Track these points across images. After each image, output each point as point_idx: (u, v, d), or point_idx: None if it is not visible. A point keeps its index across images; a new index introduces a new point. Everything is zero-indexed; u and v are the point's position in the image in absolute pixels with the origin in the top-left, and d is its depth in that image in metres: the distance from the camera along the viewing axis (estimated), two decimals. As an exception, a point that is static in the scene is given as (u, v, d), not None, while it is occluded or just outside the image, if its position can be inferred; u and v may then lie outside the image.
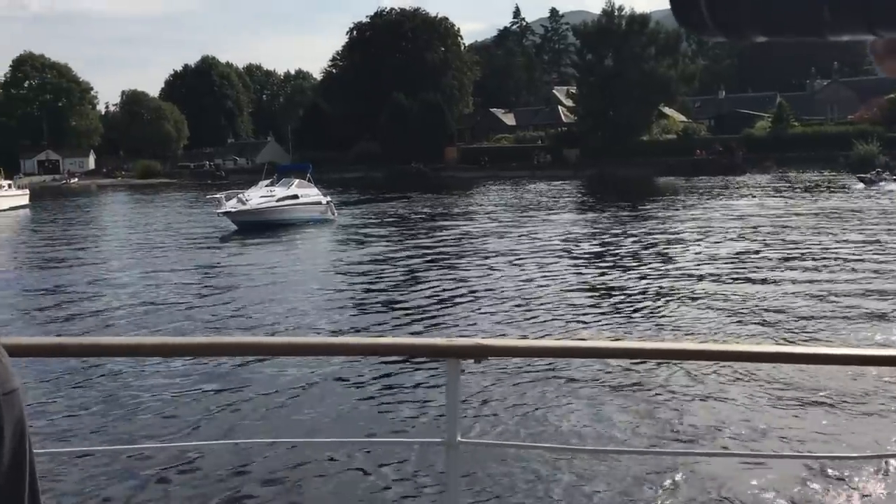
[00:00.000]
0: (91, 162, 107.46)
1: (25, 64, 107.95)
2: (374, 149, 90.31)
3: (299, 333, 12.51)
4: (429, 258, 21.61)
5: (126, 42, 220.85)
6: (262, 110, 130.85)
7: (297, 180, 35.42)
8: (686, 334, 11.70)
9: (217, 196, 33.29)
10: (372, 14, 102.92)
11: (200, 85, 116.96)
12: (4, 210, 48.86)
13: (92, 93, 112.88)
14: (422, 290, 16.33)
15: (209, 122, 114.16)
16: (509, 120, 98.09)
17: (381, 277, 18.53)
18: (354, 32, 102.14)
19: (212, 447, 7.14)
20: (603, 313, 13.42)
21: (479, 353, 2.47)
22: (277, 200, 32.52)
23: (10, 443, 1.60)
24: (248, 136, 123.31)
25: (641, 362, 9.40)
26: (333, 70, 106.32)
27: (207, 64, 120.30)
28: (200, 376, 9.87)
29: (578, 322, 12.71)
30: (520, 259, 20.50)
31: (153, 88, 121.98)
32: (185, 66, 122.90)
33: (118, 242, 30.14)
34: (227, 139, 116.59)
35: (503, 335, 11.95)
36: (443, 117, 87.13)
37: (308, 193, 34.62)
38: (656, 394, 8.93)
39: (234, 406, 8.82)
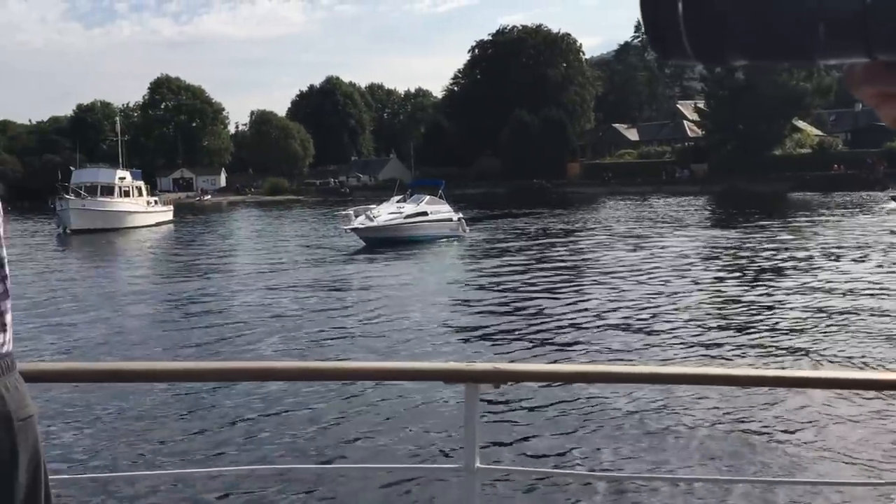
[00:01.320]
0: (222, 179, 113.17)
1: (162, 86, 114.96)
2: (495, 165, 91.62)
3: (323, 357, 12.46)
4: (557, 278, 21.41)
5: (253, 64, 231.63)
6: (384, 128, 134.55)
7: (428, 196, 35.85)
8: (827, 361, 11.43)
9: (346, 212, 34.87)
10: (494, 32, 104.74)
11: (325, 104, 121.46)
12: (152, 225, 52.57)
13: (223, 113, 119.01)
14: (548, 312, 16.07)
15: (333, 141, 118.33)
16: (632, 135, 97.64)
17: (507, 297, 18.45)
18: (476, 50, 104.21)
19: (225, 473, 7.11)
20: (730, 339, 13.07)
21: (498, 377, 2.47)
22: (406, 217, 32.97)
23: (26, 469, 1.73)
24: (370, 153, 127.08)
25: (666, 387, 9.19)
26: (455, 88, 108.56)
27: (332, 84, 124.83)
28: (210, 400, 9.88)
29: (710, 347, 12.49)
30: (649, 279, 20.37)
31: (280, 108, 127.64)
32: (311, 87, 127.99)
33: (250, 256, 31.74)
34: (351, 157, 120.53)
35: (534, 358, 11.91)
36: (565, 133, 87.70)
37: (439, 210, 34.89)
38: (680, 419, 8.85)
39: (248, 431, 8.84)
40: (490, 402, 8.76)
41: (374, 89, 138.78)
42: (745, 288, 18.45)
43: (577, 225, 42.16)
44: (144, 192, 56.45)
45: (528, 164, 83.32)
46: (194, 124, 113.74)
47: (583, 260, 25.79)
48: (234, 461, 7.75)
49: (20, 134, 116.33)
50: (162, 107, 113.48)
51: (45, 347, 14.13)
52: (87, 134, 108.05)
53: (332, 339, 14.24)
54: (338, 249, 32.12)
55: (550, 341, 13.27)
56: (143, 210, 53.66)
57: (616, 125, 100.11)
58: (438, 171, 78.28)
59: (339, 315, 16.68)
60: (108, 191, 52.17)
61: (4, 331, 1.76)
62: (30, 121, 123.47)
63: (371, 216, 32.65)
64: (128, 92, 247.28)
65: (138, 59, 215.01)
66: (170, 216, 57.26)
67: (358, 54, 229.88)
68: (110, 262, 32.85)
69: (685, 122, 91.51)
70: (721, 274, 21.17)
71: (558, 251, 28.98)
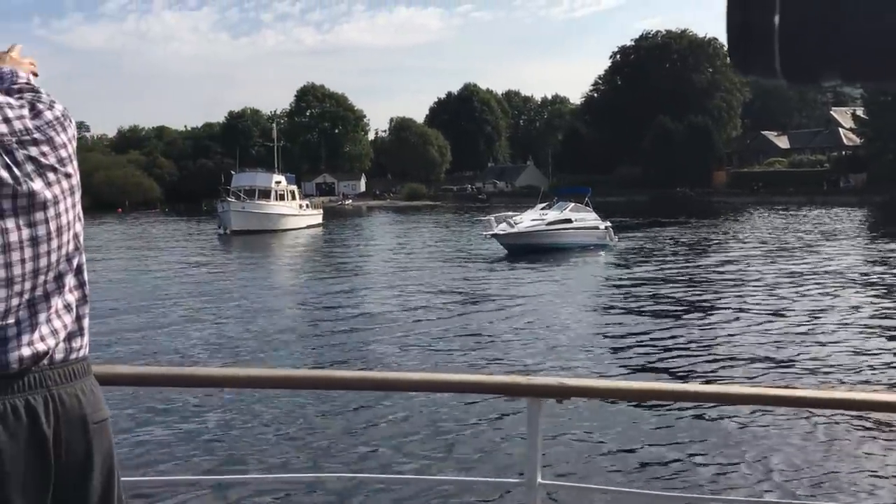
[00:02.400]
0: (362, 185, 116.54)
1: (308, 94, 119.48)
2: (636, 173, 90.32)
3: (396, 368, 12.27)
4: (706, 292, 20.80)
5: (391, 71, 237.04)
6: (520, 135, 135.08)
7: (573, 204, 35.43)
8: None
9: (488, 218, 35.24)
10: (636, 37, 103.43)
11: (462, 111, 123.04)
12: (303, 228, 54.87)
13: (364, 120, 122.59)
14: (691, 329, 15.62)
15: (469, 147, 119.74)
16: (782, 143, 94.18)
17: (649, 310, 17.99)
18: (618, 56, 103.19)
19: (285, 480, 7.26)
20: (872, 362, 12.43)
21: (561, 392, 2.45)
22: (548, 224, 32.67)
23: (100, 472, 1.78)
24: (506, 160, 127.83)
25: (735, 407, 8.94)
26: (595, 94, 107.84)
27: (469, 91, 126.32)
28: (275, 407, 10.00)
29: (847, 371, 11.90)
30: (817, 292, 19.74)
31: (418, 115, 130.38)
32: (449, 94, 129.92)
33: (391, 260, 32.51)
34: (487, 163, 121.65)
35: (598, 374, 11.60)
36: (711, 140, 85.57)
37: (584, 218, 34.49)
38: (745, 440, 8.63)
39: (311, 438, 8.86)
40: (554, 416, 8.52)
41: (511, 96, 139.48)
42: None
43: (728, 236, 41.17)
44: (297, 196, 59.01)
45: (671, 172, 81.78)
46: (337, 131, 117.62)
47: (738, 273, 25.10)
48: (296, 468, 7.79)
49: (176, 139, 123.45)
50: (307, 114, 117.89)
51: (211, 337, 15.33)
52: (238, 139, 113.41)
53: (460, 347, 14.31)
54: (477, 255, 32.44)
55: (689, 359, 12.99)
56: (296, 213, 56.13)
57: (765, 132, 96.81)
58: (576, 179, 78.09)
59: (472, 321, 16.81)
60: (265, 194, 54.86)
61: (82, 335, 1.81)
62: (185, 127, 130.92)
63: (512, 222, 32.70)
64: (271, 98, 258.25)
65: (282, 68, 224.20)
66: (319, 219, 59.61)
67: (494, 61, 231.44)
68: (266, 262, 34.62)
69: (840, 129, 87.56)
70: (877, 294, 20.02)
71: (710, 262, 28.35)
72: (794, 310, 17.45)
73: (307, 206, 60.46)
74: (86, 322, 1.82)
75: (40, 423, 1.66)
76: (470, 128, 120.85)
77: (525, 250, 30.50)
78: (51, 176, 1.71)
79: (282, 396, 10.05)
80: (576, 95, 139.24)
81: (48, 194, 1.70)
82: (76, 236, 1.80)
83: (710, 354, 13.26)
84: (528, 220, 33.28)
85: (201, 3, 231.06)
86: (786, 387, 10.28)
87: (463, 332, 15.53)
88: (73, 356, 1.77)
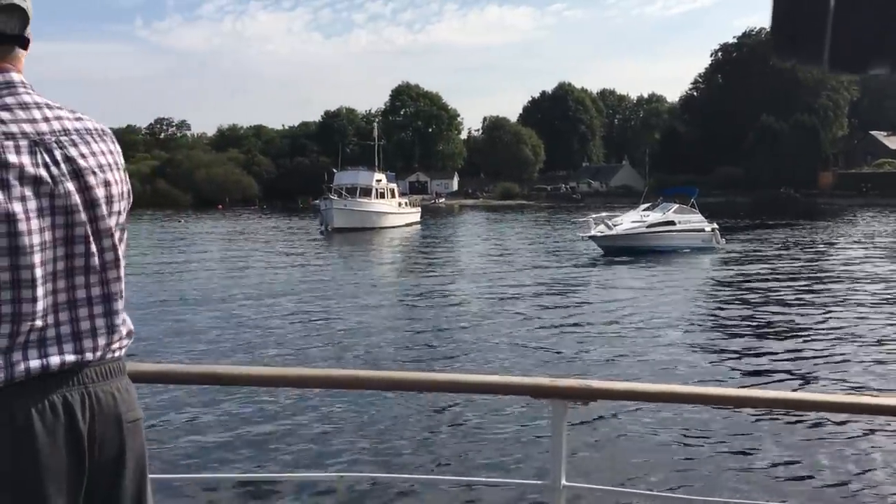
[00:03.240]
0: (455, 183, 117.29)
1: (403, 93, 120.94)
2: (736, 173, 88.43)
3: (425, 368, 12.19)
4: (816, 296, 20.23)
5: (482, 70, 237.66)
6: (614, 134, 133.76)
7: (677, 205, 34.82)
8: None
9: (585, 219, 35.05)
10: (739, 34, 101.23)
11: (556, 110, 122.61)
12: (402, 226, 55.81)
13: (458, 119, 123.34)
14: (799, 334, 15.27)
15: (563, 147, 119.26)
16: (892, 143, 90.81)
17: (753, 315, 17.60)
18: (719, 54, 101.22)
19: (312, 479, 7.19)
20: None
21: (587, 395, 2.44)
22: (649, 226, 32.16)
23: (133, 471, 1.80)
24: (600, 160, 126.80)
25: (766, 412, 8.81)
26: (694, 92, 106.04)
27: (564, 90, 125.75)
28: (300, 405, 10.02)
29: None
30: None
31: (509, 113, 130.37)
32: (543, 93, 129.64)
33: (486, 259, 32.80)
34: (581, 163, 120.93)
35: (626, 377, 11.38)
36: (817, 140, 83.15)
37: (688, 220, 33.82)
38: (776, 445, 8.53)
39: (335, 438, 8.92)
40: (579, 419, 8.58)
41: (606, 95, 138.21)
42: None
43: (839, 239, 40.08)
44: (396, 194, 60.04)
45: (774, 173, 79.83)
46: (431, 129, 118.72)
47: (849, 278, 24.50)
48: (320, 467, 7.85)
49: (273, 138, 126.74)
50: (402, 113, 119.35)
51: (313, 332, 15.85)
52: (333, 138, 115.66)
53: (545, 348, 14.23)
54: (573, 257, 32.24)
55: (793, 364, 12.80)
56: (396, 211, 57.14)
57: (874, 133, 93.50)
58: (674, 179, 76.87)
59: (562, 323, 16.76)
60: (366, 192, 56.03)
61: (118, 335, 1.82)
62: (283, 125, 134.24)
63: (610, 224, 32.38)
64: (362, 97, 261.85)
65: (373, 67, 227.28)
66: (417, 217, 60.53)
67: (588, 60, 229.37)
68: (367, 259, 35.41)
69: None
70: None
71: (821, 266, 27.71)
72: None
73: (406, 204, 61.49)
74: (121, 322, 1.83)
75: (76, 420, 1.68)
76: (564, 127, 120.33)
77: (623, 253, 30.13)
78: (90, 179, 1.73)
79: (310, 396, 10.11)
80: (672, 94, 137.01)
81: (86, 197, 1.71)
82: (116, 244, 1.80)
83: (819, 365, 12.92)
84: (628, 221, 32.94)
85: (295, 3, 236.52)
86: (851, 392, 10.45)
87: (551, 334, 15.56)
88: (109, 355, 1.78)
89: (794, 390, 10.58)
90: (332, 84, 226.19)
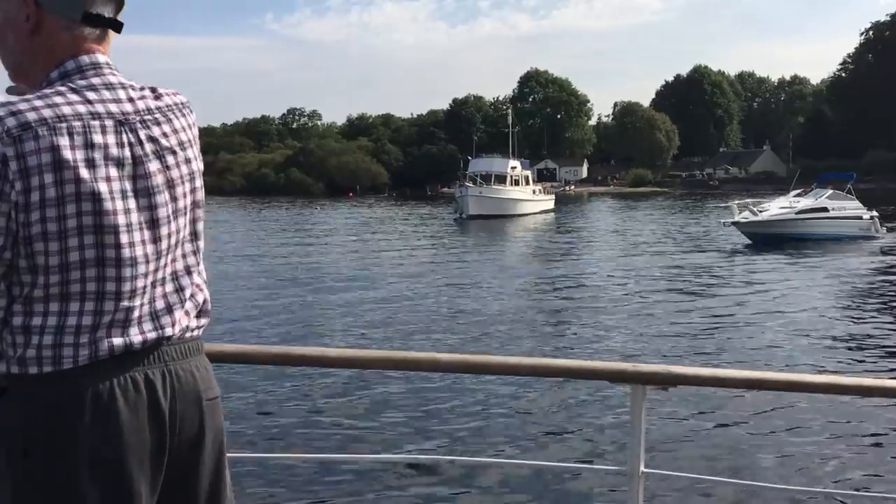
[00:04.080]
0: (584, 171, 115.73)
1: (531, 80, 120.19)
2: (889, 158, 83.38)
3: (504, 352, 12.00)
4: None
5: (610, 54, 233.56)
6: (753, 118, 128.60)
7: (831, 191, 33.00)
8: None
9: (729, 205, 33.58)
10: (893, 12, 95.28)
11: (691, 94, 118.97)
12: (536, 213, 55.34)
13: (588, 105, 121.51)
14: None
15: (699, 132, 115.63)
16: None
17: None
18: (871, 33, 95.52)
19: (389, 461, 7.22)
20: None
21: (667, 380, 2.41)
22: (798, 213, 30.65)
23: (212, 449, 1.82)
24: (737, 145, 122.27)
25: (846, 399, 8.44)
26: (842, 74, 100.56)
27: (699, 73, 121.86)
28: (387, 389, 10.05)
29: None
30: None
31: (641, 98, 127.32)
32: (677, 76, 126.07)
33: (620, 247, 32.07)
34: (718, 148, 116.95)
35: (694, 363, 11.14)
36: (982, 122, 77.31)
37: (844, 206, 32.08)
38: (858, 432, 8.25)
39: (409, 420, 8.93)
40: (659, 404, 8.55)
41: (744, 77, 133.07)
42: None
43: None
44: (531, 182, 59.59)
45: (934, 158, 74.70)
46: (559, 116, 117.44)
47: None
48: (392, 449, 7.83)
49: (402, 126, 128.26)
50: (530, 99, 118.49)
51: (447, 317, 15.78)
52: (461, 126, 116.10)
53: (679, 335, 13.91)
54: (713, 245, 31.19)
55: None
56: (530, 198, 56.75)
57: None
58: (821, 165, 73.19)
59: (700, 313, 16.23)
60: (501, 179, 55.85)
61: (197, 315, 1.84)
62: (411, 114, 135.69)
63: (756, 210, 30.90)
64: (485, 85, 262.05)
65: (498, 54, 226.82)
66: (551, 205, 59.95)
67: (723, 41, 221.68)
68: (504, 246, 35.15)
69: None
70: None
71: None
72: None
73: (540, 191, 60.92)
74: (201, 301, 1.85)
75: (158, 397, 1.69)
76: (699, 111, 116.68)
77: (770, 241, 28.77)
78: (170, 159, 1.73)
79: (386, 379, 10.17)
80: (816, 76, 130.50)
81: (167, 176, 1.72)
82: (194, 221, 1.82)
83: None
84: (776, 208, 31.50)
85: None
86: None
87: (686, 324, 15.11)
88: (189, 335, 1.79)
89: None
90: (456, 72, 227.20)
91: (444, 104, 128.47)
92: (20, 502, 1.62)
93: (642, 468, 2.43)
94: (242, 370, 9.86)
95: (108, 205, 1.61)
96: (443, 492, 6.84)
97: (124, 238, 1.64)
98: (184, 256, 1.80)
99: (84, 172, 1.59)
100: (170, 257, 1.75)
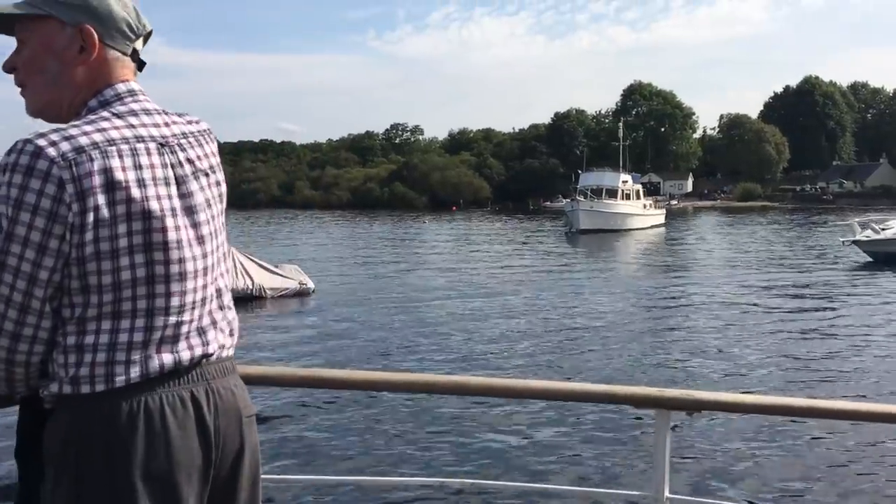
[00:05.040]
0: (689, 184, 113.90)
1: (635, 92, 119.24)
2: None
3: (518, 375, 11.89)
4: None
5: (712, 66, 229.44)
6: (866, 130, 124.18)
7: None
8: None
9: (849, 222, 32.69)
10: None
11: (801, 106, 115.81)
12: (646, 228, 55.05)
13: (693, 118, 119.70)
14: None
15: (809, 144, 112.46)
16: None
17: None
18: None
19: (405, 485, 7.05)
20: None
21: (693, 405, 2.39)
22: None
23: (250, 465, 1.84)
24: (851, 158, 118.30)
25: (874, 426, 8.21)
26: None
27: (810, 84, 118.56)
28: (405, 411, 10.03)
29: None
30: None
31: (748, 110, 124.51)
32: (786, 88, 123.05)
33: (739, 261, 31.82)
34: (830, 162, 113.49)
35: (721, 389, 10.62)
36: None
37: None
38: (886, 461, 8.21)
39: (428, 443, 8.88)
40: (684, 430, 8.52)
41: (857, 88, 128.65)
42: None
43: None
44: (641, 196, 59.34)
45: None
46: (663, 129, 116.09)
47: None
48: (413, 472, 7.83)
49: (503, 140, 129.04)
50: (634, 112, 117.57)
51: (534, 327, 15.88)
52: (563, 139, 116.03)
53: (790, 358, 13.55)
54: (831, 263, 30.51)
55: None
56: (641, 213, 56.50)
57: None
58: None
59: (812, 335, 15.74)
60: (612, 194, 55.81)
61: (232, 334, 1.88)
62: (513, 128, 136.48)
63: (878, 228, 30.15)
64: (586, 98, 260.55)
65: (596, 67, 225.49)
66: (662, 219, 59.50)
67: (833, 51, 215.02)
68: (614, 260, 35.33)
69: None
70: None
71: None
72: None
73: (651, 205, 60.59)
74: (232, 317, 1.90)
75: (203, 414, 1.73)
76: (810, 123, 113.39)
77: (894, 260, 27.88)
78: (204, 180, 1.80)
79: (404, 401, 10.17)
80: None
81: (205, 196, 1.79)
82: (224, 239, 1.88)
83: None
84: None
85: (519, 7, 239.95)
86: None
87: (796, 346, 14.80)
88: (225, 354, 1.84)
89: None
90: (555, 86, 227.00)
91: (543, 118, 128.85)
92: None
93: (667, 493, 2.41)
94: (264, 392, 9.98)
95: (158, 223, 1.67)
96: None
97: (174, 255, 1.70)
98: (222, 275, 1.86)
99: (135, 192, 1.64)
100: (215, 274, 1.82)
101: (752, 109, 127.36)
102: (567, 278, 27.06)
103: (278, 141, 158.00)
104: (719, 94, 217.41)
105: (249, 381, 2.14)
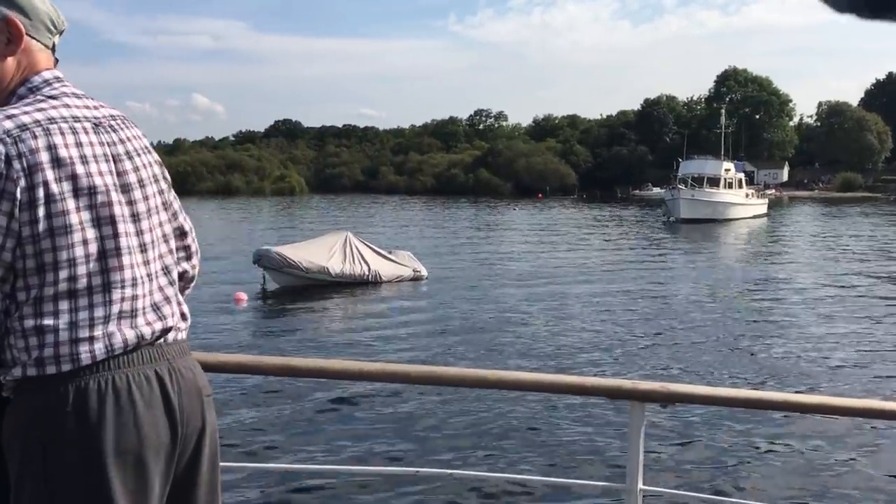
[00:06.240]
0: (784, 174, 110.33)
1: (729, 78, 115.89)
2: None
3: (484, 366, 11.51)
4: None
5: (806, 51, 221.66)
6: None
7: None
8: None
9: None
10: None
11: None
12: (748, 217, 53.38)
13: (790, 105, 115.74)
14: None
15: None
16: None
17: None
18: None
19: (384, 474, 7.18)
20: None
21: (666, 398, 2.43)
22: None
23: (210, 444, 1.88)
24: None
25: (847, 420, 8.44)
26: None
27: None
28: (384, 401, 9.99)
29: None
30: None
31: (848, 98, 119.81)
32: (889, 74, 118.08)
33: (840, 253, 30.58)
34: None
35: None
36: None
37: None
38: (862, 455, 8.31)
39: (408, 433, 8.92)
40: (658, 422, 8.55)
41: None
42: None
43: None
44: (744, 185, 57.57)
45: None
46: (758, 116, 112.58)
47: None
48: (390, 461, 7.93)
49: (590, 127, 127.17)
50: (727, 99, 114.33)
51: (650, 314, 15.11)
52: (652, 127, 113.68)
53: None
54: None
55: None
56: (744, 202, 54.91)
57: None
58: None
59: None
60: (714, 182, 54.26)
61: (184, 318, 1.90)
62: (600, 115, 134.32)
63: None
64: (674, 84, 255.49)
65: (684, 52, 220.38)
66: (764, 209, 57.78)
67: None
68: (716, 252, 34.17)
69: None
70: None
71: None
72: None
73: (753, 194, 58.77)
74: (182, 300, 1.94)
75: (168, 392, 1.76)
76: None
77: None
78: (137, 160, 1.84)
79: (385, 391, 10.18)
80: None
81: (138, 176, 1.83)
82: (167, 219, 1.92)
83: None
84: None
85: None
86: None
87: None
88: (181, 336, 1.87)
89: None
90: (642, 72, 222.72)
91: (630, 105, 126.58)
92: (47, 499, 1.66)
93: (640, 485, 2.44)
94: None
95: (104, 197, 1.72)
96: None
97: (121, 228, 1.74)
98: (169, 253, 1.90)
99: (80, 168, 1.69)
100: (157, 252, 1.85)
101: (851, 97, 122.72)
102: (670, 268, 26.41)
103: (361, 126, 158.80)
104: (813, 81, 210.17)
105: (223, 369, 2.37)
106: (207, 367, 2.11)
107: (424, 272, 21.72)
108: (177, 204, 2.00)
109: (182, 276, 2.00)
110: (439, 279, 22.25)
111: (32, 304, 1.67)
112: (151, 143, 1.96)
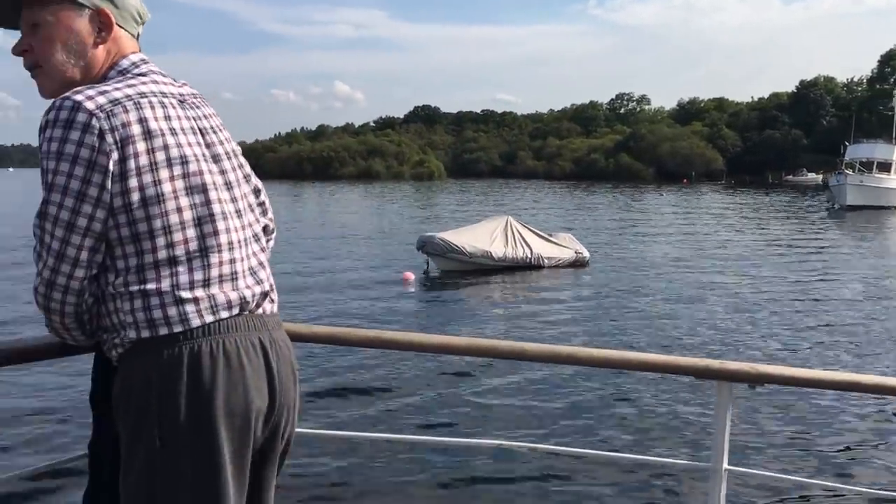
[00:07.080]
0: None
1: (894, 58, 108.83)
2: None
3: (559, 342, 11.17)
4: None
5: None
6: None
7: None
8: None
9: None
10: None
11: None
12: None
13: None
14: None
15: None
16: None
17: None
18: None
19: (456, 445, 7.24)
20: None
21: (754, 378, 2.41)
22: None
23: (295, 416, 1.94)
24: None
25: None
26: None
27: None
28: (469, 376, 9.90)
29: None
30: None
31: None
32: None
33: None
34: None
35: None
36: None
37: None
38: None
39: (489, 407, 8.81)
40: (746, 402, 8.48)
41: None
42: None
43: None
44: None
45: None
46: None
47: None
48: (475, 434, 7.84)
49: (740, 110, 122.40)
50: (892, 80, 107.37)
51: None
52: (808, 109, 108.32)
53: None
54: None
55: None
56: (919, 189, 51.16)
57: None
58: None
59: None
60: (884, 167, 50.99)
61: (273, 290, 1.93)
62: (751, 97, 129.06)
63: None
64: (828, 65, 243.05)
65: (840, 31, 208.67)
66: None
67: None
68: (889, 242, 31.65)
69: None
70: None
71: None
72: None
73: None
74: (271, 276, 1.97)
75: (270, 360, 1.80)
76: None
77: None
78: (220, 135, 1.92)
79: (470, 366, 10.12)
80: None
81: (224, 149, 1.91)
82: (252, 190, 2.03)
83: None
84: None
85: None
86: None
87: None
88: (275, 308, 1.92)
89: None
90: (792, 52, 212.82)
91: (780, 86, 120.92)
92: (160, 456, 1.68)
93: (725, 465, 2.43)
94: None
95: (195, 166, 1.77)
96: (522, 478, 6.91)
97: (213, 195, 1.79)
98: (256, 221, 1.97)
99: (170, 139, 1.75)
100: (248, 218, 1.91)
101: None
102: (841, 256, 24.68)
103: (499, 111, 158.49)
104: None
105: (314, 339, 2.42)
106: (301, 338, 2.20)
107: (586, 254, 21.14)
108: (250, 170, 2.06)
109: (264, 229, 2.06)
110: (600, 261, 21.63)
111: (136, 272, 1.72)
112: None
